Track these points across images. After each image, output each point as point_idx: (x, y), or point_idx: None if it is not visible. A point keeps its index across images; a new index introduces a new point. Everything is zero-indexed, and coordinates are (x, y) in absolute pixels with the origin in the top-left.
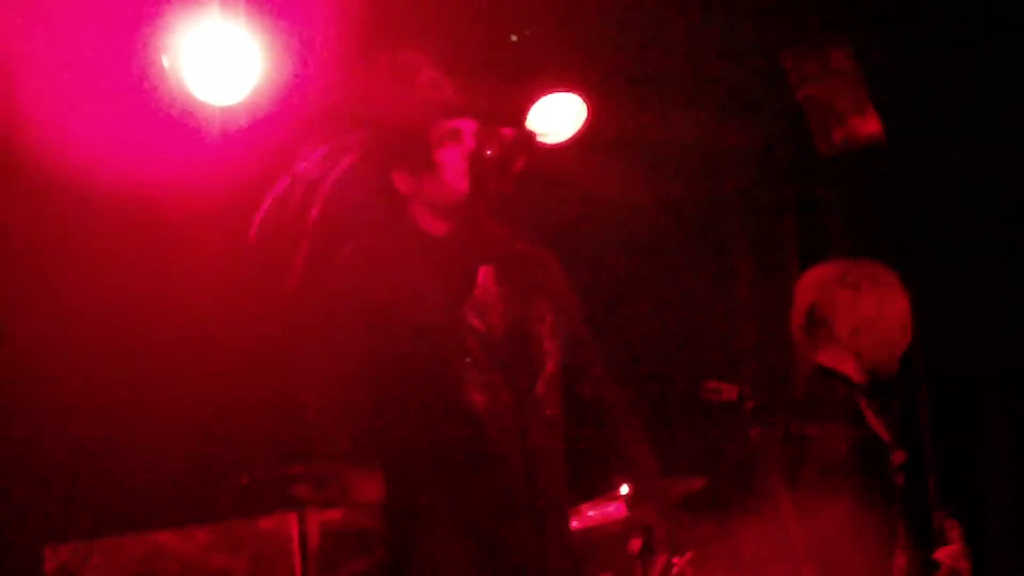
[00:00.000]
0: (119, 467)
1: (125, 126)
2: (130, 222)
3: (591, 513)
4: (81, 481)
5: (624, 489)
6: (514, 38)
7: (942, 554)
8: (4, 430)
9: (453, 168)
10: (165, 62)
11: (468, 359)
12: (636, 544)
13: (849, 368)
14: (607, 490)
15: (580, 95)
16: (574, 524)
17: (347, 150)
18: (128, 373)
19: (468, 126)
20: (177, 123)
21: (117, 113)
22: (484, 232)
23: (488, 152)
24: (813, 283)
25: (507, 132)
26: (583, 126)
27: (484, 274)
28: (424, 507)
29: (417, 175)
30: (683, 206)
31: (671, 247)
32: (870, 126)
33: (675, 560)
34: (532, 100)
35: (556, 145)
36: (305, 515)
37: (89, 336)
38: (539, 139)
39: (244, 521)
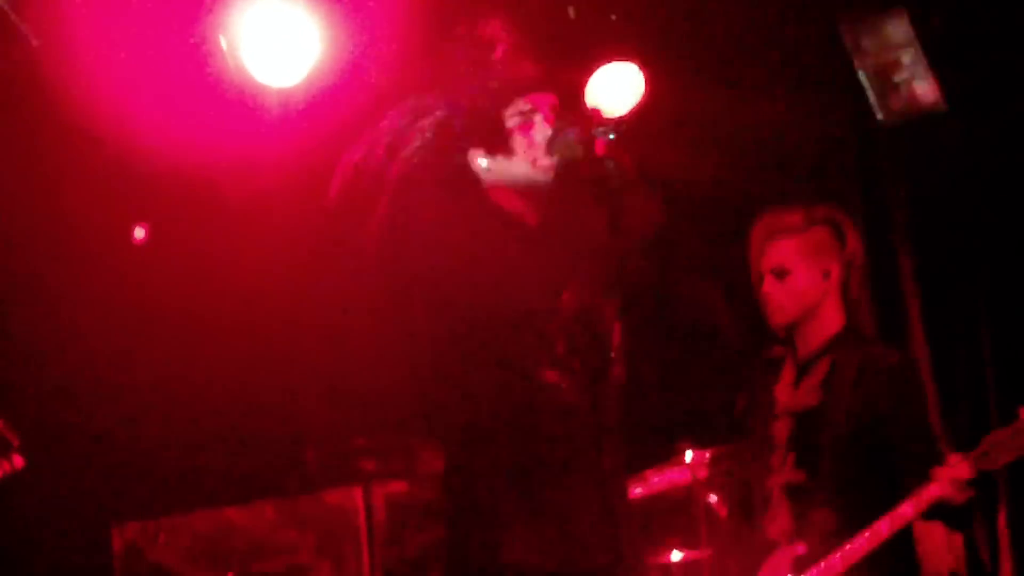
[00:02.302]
0: (186, 445)
1: (185, 108)
2: (191, 203)
3: (656, 479)
4: (147, 460)
5: (688, 455)
6: (572, 12)
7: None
8: (70, 411)
9: (530, 151)
10: (224, 43)
11: (541, 336)
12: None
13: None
14: (672, 456)
15: (638, 65)
16: (640, 490)
17: (429, 112)
18: (194, 352)
19: (546, 102)
20: (236, 104)
21: (177, 95)
22: (575, 222)
23: (570, 132)
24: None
25: (589, 112)
26: (642, 99)
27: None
28: (486, 482)
29: (494, 153)
30: (740, 179)
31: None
32: (929, 94)
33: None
34: (589, 72)
35: (614, 119)
36: (370, 488)
37: (154, 316)
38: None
39: (310, 496)
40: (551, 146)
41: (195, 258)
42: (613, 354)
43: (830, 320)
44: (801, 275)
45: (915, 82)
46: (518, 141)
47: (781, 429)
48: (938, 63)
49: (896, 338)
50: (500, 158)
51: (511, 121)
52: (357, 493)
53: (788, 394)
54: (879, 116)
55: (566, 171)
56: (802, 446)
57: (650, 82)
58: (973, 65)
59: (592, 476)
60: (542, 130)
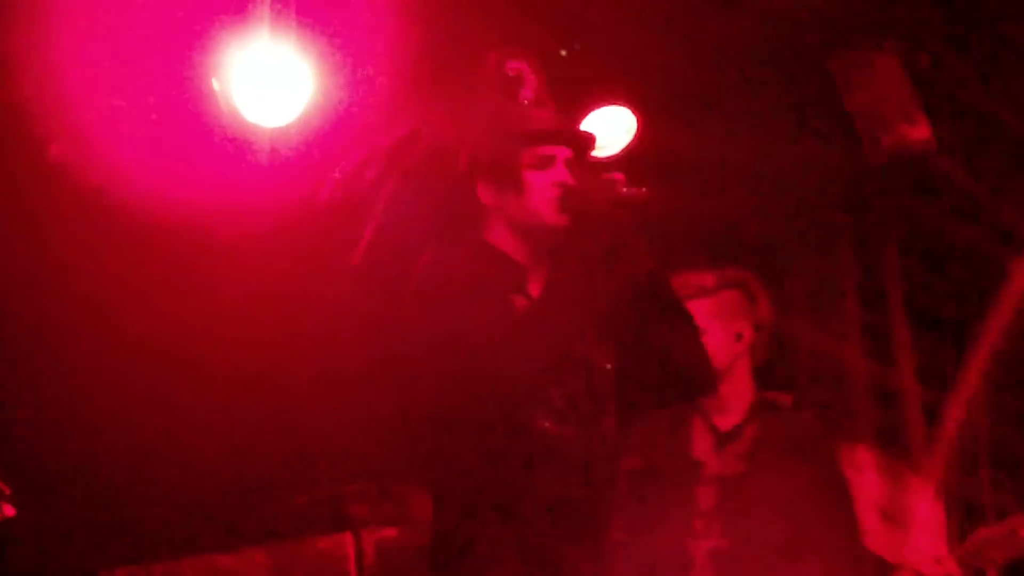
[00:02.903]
0: (175, 491)
1: (176, 148)
2: (181, 244)
3: None
4: (136, 506)
5: None
6: (564, 52)
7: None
8: (57, 457)
9: (541, 194)
10: (215, 85)
11: (535, 386)
12: None
13: None
14: None
15: (630, 108)
16: None
17: (431, 134)
18: (184, 396)
19: (562, 153)
20: (228, 145)
21: (168, 136)
22: (581, 281)
23: (579, 185)
24: None
25: (598, 168)
26: (633, 140)
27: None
28: (478, 531)
29: (503, 192)
30: (732, 218)
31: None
32: (919, 133)
33: None
34: (583, 114)
35: (606, 159)
36: (361, 534)
37: (141, 359)
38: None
39: (301, 541)
40: (564, 201)
41: (184, 300)
42: (607, 402)
43: (743, 384)
44: (715, 336)
45: (905, 120)
46: (531, 182)
47: (707, 495)
48: (928, 102)
49: (886, 372)
50: (510, 196)
51: (527, 163)
52: (348, 539)
53: (714, 459)
54: (870, 155)
55: (577, 227)
56: (729, 512)
57: (641, 120)
58: (963, 104)
59: (585, 525)
60: (556, 176)
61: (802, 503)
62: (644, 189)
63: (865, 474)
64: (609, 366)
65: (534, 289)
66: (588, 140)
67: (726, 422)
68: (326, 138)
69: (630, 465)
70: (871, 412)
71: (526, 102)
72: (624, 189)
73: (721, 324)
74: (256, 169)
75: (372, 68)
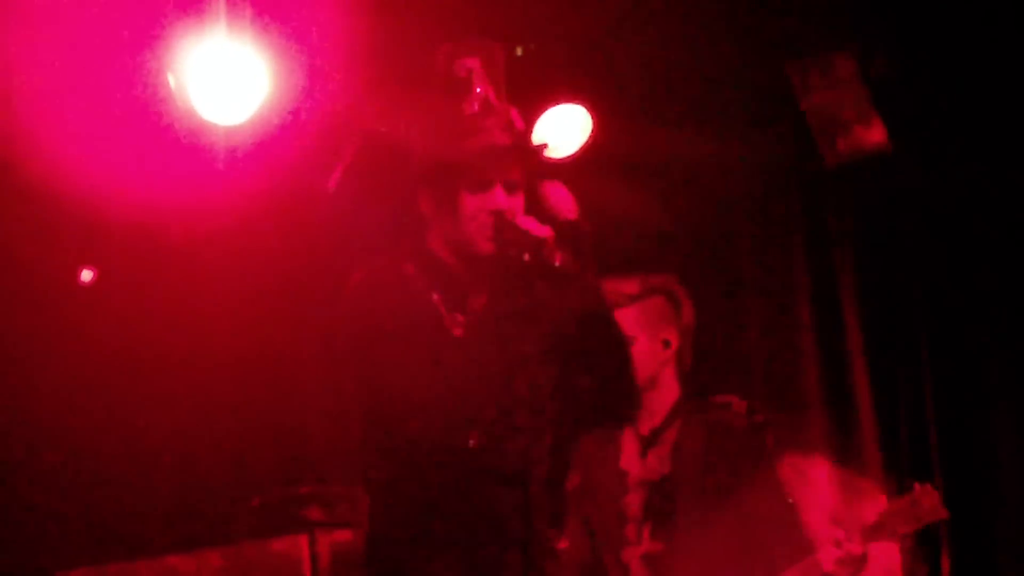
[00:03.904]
0: (131, 491)
1: (131, 146)
2: (135, 241)
3: None
4: (91, 506)
5: None
6: (519, 51)
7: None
8: (13, 456)
9: (472, 220)
10: (171, 82)
11: (472, 399)
12: None
13: None
14: None
15: (586, 107)
16: None
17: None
18: (137, 396)
19: (501, 176)
20: (182, 143)
21: (123, 133)
22: (517, 310)
23: (516, 219)
24: None
25: (546, 198)
26: (588, 140)
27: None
28: (412, 540)
29: (440, 207)
30: (688, 219)
31: (676, 260)
32: (875, 135)
33: None
34: (537, 113)
35: (561, 160)
36: (316, 537)
37: (96, 359)
38: (545, 153)
39: (256, 543)
40: (496, 231)
41: (139, 300)
42: (548, 417)
43: (669, 390)
44: (643, 344)
45: (860, 123)
46: (465, 206)
47: (634, 501)
48: (883, 104)
49: (838, 374)
50: (446, 214)
51: (465, 184)
52: (303, 541)
53: (637, 465)
54: (824, 156)
55: (511, 254)
56: (657, 516)
57: (596, 119)
58: (918, 106)
59: (519, 539)
60: (490, 203)
61: (730, 499)
62: (571, 258)
63: (809, 481)
64: (546, 382)
65: (476, 303)
66: (535, 155)
67: (647, 427)
68: (281, 136)
69: (572, 483)
70: (823, 413)
71: (475, 108)
72: (556, 261)
73: (648, 332)
74: (211, 167)
75: (327, 66)
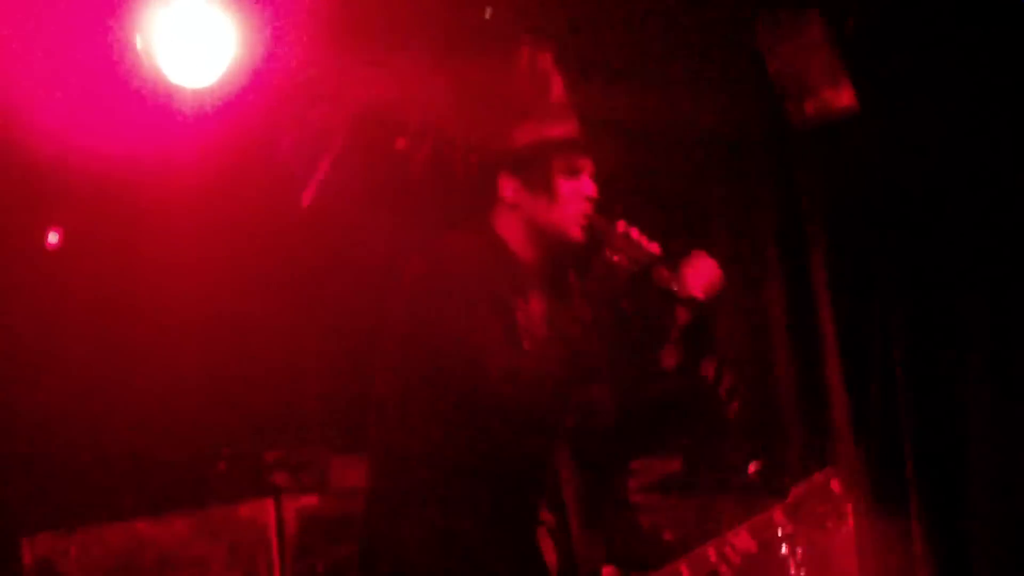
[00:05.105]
0: (98, 457)
1: (98, 108)
2: (103, 204)
3: None
4: (59, 471)
5: None
6: (488, 14)
7: None
8: None
9: (571, 206)
10: (138, 44)
11: (509, 384)
12: None
13: None
14: None
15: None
16: None
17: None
18: (106, 360)
19: (588, 166)
20: (150, 105)
21: (90, 95)
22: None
23: (631, 232)
24: None
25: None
26: None
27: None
28: (412, 509)
29: (532, 192)
30: (658, 182)
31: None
32: (843, 98)
33: None
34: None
35: None
36: (282, 502)
37: (64, 322)
38: None
39: (222, 508)
40: (589, 217)
41: (106, 262)
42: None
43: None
44: None
45: (829, 85)
46: (563, 191)
47: None
48: (852, 66)
49: (807, 340)
50: (539, 198)
51: (559, 168)
52: (269, 506)
53: None
54: (793, 119)
55: (618, 271)
56: None
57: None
58: (887, 68)
59: (527, 529)
60: (585, 189)
61: None
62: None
63: None
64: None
65: (533, 292)
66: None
67: None
68: (248, 97)
69: None
70: (793, 387)
71: (555, 103)
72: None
73: None
74: (179, 129)
75: (294, 27)
